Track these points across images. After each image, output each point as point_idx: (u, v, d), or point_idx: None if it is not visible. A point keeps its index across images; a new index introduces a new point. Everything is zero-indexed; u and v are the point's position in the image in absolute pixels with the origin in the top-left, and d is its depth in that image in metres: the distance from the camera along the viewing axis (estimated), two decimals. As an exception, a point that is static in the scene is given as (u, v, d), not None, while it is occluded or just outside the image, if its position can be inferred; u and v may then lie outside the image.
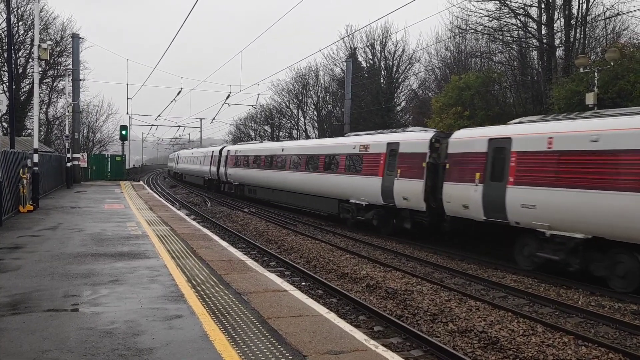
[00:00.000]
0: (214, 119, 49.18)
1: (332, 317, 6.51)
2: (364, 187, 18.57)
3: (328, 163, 21.50)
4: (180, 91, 40.09)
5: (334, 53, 53.96)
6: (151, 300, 6.97)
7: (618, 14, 28.24)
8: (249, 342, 5.45)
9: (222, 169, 36.38)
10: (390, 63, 48.78)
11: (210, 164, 39.68)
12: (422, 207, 15.87)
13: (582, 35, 28.90)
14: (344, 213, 20.35)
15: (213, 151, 40.13)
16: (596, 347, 7.70)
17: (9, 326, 5.78)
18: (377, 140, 18.66)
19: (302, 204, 24.08)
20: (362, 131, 26.10)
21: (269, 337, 5.62)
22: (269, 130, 72.27)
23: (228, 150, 35.97)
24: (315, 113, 61.16)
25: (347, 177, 19.81)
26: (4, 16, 34.21)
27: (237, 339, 5.53)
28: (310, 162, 22.88)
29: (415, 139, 16.90)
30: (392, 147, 17.52)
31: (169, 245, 11.52)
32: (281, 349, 5.27)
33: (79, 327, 5.79)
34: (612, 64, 21.12)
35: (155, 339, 5.47)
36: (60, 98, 47.39)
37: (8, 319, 6.05)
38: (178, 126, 68.47)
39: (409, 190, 16.27)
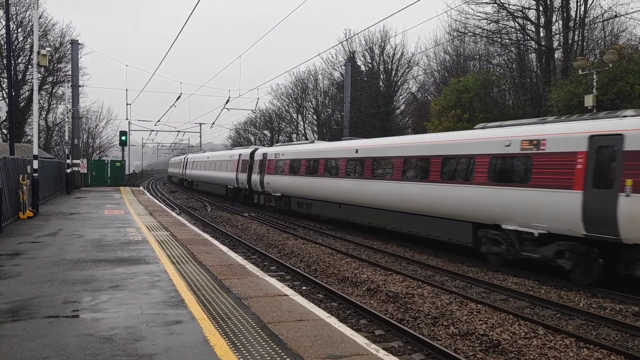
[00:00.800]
0: (213, 123, 49.44)
1: (332, 321, 6.50)
2: (537, 207, 12.25)
3: (451, 168, 15.11)
4: (179, 96, 40.24)
5: (333, 57, 54.26)
6: (151, 305, 6.97)
7: (616, 16, 28.39)
8: (249, 347, 5.44)
9: (255, 177, 29.58)
10: (389, 66, 48.93)
11: (237, 170, 32.71)
12: None
13: (580, 38, 29.00)
14: (488, 244, 13.79)
15: (240, 154, 32.93)
16: (598, 349, 7.69)
17: (9, 333, 5.77)
18: (562, 132, 12.14)
19: (397, 226, 17.44)
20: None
21: (270, 342, 5.61)
22: (269, 135, 72.43)
23: (264, 154, 28.97)
24: (315, 117, 61.29)
25: (495, 190, 13.29)
26: (3, 23, 34.35)
27: (238, 344, 5.52)
28: (413, 168, 16.68)
29: None
30: (603, 142, 11.12)
31: (169, 250, 11.51)
32: (282, 353, 5.26)
33: (79, 333, 5.79)
34: (610, 65, 21.16)
35: (155, 344, 5.46)
36: (59, 104, 47.61)
37: (8, 325, 6.04)
38: (178, 131, 68.78)
39: None
